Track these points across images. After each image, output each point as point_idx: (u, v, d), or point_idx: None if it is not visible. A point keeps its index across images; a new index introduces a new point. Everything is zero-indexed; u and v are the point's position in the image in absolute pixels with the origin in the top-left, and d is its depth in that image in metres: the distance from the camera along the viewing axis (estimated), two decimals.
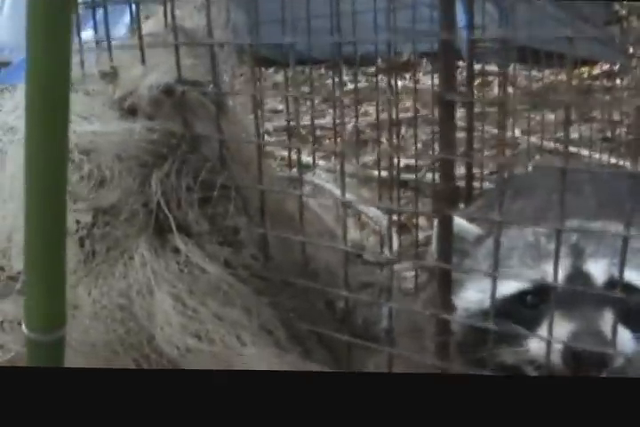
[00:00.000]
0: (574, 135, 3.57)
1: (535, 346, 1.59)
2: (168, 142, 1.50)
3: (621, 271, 1.40)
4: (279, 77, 4.68)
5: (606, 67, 4.46)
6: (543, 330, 1.60)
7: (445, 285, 1.31)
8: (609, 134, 3.69)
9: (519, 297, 1.66)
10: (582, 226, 1.74)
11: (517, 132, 3.67)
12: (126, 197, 1.53)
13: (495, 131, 3.68)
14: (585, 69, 4.39)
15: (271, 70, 4.87)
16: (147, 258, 1.48)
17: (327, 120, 3.82)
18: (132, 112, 1.54)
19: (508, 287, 1.67)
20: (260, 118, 1.55)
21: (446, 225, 1.30)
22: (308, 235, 1.55)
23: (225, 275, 1.45)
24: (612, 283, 1.64)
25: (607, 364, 1.53)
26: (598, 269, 1.67)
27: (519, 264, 1.71)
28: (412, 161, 3.39)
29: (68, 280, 1.50)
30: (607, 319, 1.59)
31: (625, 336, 1.60)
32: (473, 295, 1.72)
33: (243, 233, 1.49)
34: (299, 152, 1.51)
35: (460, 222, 1.79)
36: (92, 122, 1.49)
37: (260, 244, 1.52)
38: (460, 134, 3.18)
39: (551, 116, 3.77)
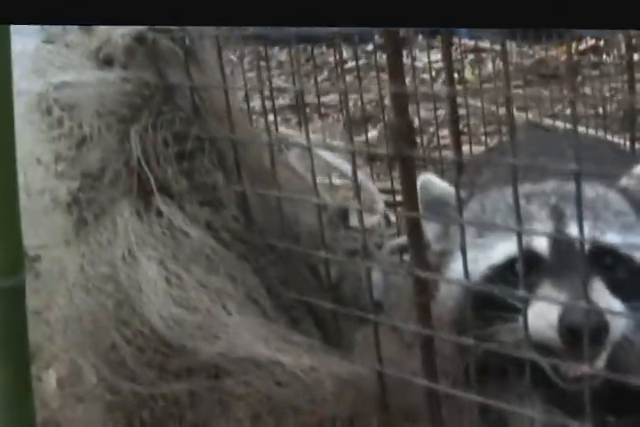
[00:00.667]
0: (567, 112, 3.51)
1: (531, 319, 1.49)
2: (142, 93, 1.43)
3: None
4: (283, 56, 4.66)
5: (592, 42, 4.37)
6: (536, 305, 1.48)
7: (416, 237, 1.21)
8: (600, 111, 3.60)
9: (509, 265, 1.57)
10: (561, 187, 1.64)
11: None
12: (108, 155, 1.45)
13: (493, 108, 3.60)
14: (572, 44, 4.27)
15: (276, 49, 4.83)
16: (130, 222, 1.40)
17: (331, 98, 3.79)
18: (107, 62, 1.47)
19: (496, 255, 1.59)
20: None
21: (408, 167, 1.20)
22: (291, 194, 1.48)
23: (207, 238, 1.37)
24: (595, 248, 1.56)
25: (604, 334, 1.42)
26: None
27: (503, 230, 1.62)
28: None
29: (59, 251, 1.43)
30: (597, 288, 1.51)
31: (616, 306, 1.51)
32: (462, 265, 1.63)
33: (221, 190, 1.40)
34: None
35: (442, 186, 1.72)
36: (69, 73, 1.41)
37: (241, 204, 1.44)
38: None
39: (545, 93, 3.71)
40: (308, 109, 3.38)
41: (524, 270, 1.48)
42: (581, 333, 1.36)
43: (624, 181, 1.71)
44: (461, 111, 3.21)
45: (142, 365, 1.25)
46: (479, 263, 1.59)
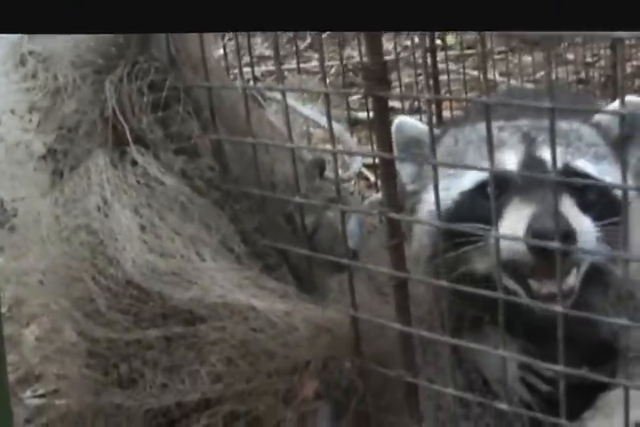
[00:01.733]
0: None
1: (504, 226, 1.46)
2: (118, 43, 1.39)
3: None
4: None
5: None
6: (505, 220, 1.50)
7: (388, 179, 1.18)
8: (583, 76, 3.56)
9: (479, 189, 1.56)
10: (534, 121, 1.63)
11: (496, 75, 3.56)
12: (83, 106, 1.42)
13: (475, 73, 3.57)
14: None
15: None
16: (105, 172, 1.36)
17: (313, 64, 3.76)
18: None
19: (467, 181, 1.58)
20: None
21: (380, 107, 1.16)
22: (266, 145, 1.45)
23: (182, 186, 1.33)
24: (566, 170, 1.55)
25: (571, 240, 1.39)
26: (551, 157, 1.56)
27: (476, 157, 1.61)
28: (397, 103, 3.27)
29: (35, 203, 1.40)
30: (566, 203, 1.49)
31: (585, 221, 1.50)
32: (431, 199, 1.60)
33: (197, 139, 1.37)
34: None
35: (416, 126, 1.70)
36: None
37: (216, 153, 1.41)
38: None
39: (528, 59, 3.67)
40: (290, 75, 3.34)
41: (495, 192, 1.50)
42: (548, 237, 1.32)
43: (597, 117, 1.70)
44: (443, 77, 3.19)
45: (117, 311, 1.23)
46: (451, 191, 1.59)
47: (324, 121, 2.30)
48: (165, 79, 1.43)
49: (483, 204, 1.51)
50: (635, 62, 3.57)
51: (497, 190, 1.48)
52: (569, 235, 1.38)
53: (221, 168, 1.42)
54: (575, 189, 1.52)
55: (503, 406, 1.21)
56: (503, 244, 1.41)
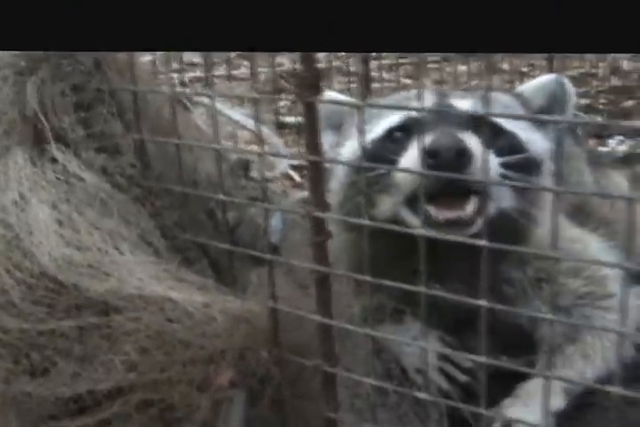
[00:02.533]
0: (482, 85, 3.52)
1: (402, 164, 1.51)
2: None
3: None
4: None
5: None
6: (407, 156, 1.54)
7: (315, 178, 1.19)
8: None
9: (388, 135, 1.60)
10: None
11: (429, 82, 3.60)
12: (3, 106, 1.41)
13: (408, 81, 3.61)
14: None
15: None
16: (23, 168, 1.36)
17: (242, 71, 3.77)
18: None
19: (377, 130, 1.62)
20: None
21: (311, 112, 1.19)
22: (189, 145, 1.46)
23: (102, 183, 1.34)
24: (478, 119, 1.54)
25: (466, 159, 1.43)
26: (465, 104, 1.61)
27: (388, 113, 1.64)
28: None
29: None
30: (468, 135, 1.51)
31: (486, 152, 1.50)
32: (349, 148, 1.68)
33: (119, 139, 1.37)
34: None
35: (336, 96, 1.77)
36: None
37: (138, 151, 1.41)
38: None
39: (463, 67, 3.72)
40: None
41: (402, 136, 1.58)
42: (443, 154, 1.40)
43: (519, 89, 1.76)
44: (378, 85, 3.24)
45: (31, 303, 1.22)
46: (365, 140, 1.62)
47: (251, 124, 2.33)
48: (90, 81, 1.44)
49: (391, 147, 1.57)
50: (569, 73, 3.63)
51: (405, 134, 1.58)
52: (464, 153, 1.41)
53: (143, 166, 1.42)
54: (485, 134, 1.52)
55: (421, 395, 1.22)
56: (401, 177, 1.46)
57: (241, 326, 1.24)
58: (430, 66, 3.61)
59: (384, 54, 3.81)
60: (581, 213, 2.04)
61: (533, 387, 1.61)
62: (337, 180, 1.67)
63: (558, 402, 1.66)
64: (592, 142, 2.88)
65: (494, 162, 1.51)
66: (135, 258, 1.26)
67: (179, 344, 1.20)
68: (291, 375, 1.29)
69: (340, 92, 3.41)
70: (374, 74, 3.41)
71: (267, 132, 2.39)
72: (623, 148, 2.85)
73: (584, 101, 3.22)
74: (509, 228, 1.54)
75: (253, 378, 1.25)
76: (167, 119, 1.45)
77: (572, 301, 1.75)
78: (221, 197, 1.33)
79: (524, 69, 3.78)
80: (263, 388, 1.25)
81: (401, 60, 3.74)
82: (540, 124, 1.68)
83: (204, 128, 1.68)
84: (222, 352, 1.22)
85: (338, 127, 1.75)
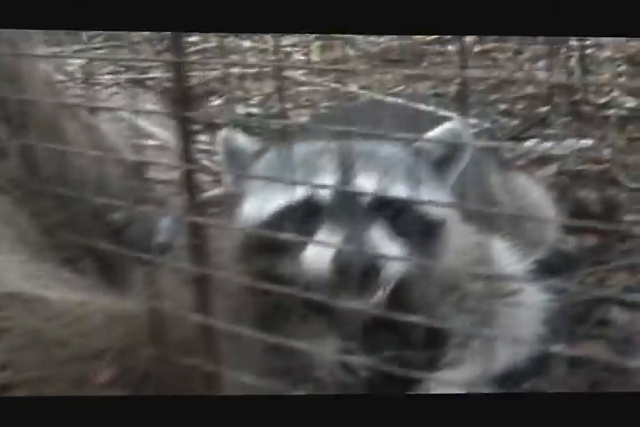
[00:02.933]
0: (409, 91, 3.56)
1: (309, 254, 1.49)
2: None
3: None
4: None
5: None
6: (312, 249, 1.49)
7: (189, 184, 1.21)
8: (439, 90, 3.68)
9: (291, 210, 1.56)
10: (355, 145, 1.58)
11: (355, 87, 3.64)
12: None
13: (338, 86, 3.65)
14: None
15: None
16: None
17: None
18: None
19: (282, 199, 1.58)
20: None
21: (184, 126, 1.20)
22: (82, 148, 1.47)
23: None
24: (380, 199, 1.56)
25: (374, 275, 1.43)
26: (366, 184, 1.56)
27: (293, 178, 1.56)
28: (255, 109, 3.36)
29: None
30: (376, 233, 1.51)
31: (393, 250, 1.51)
32: (252, 207, 1.62)
33: (5, 142, 1.37)
34: None
35: (241, 138, 1.71)
36: None
37: (24, 154, 1.41)
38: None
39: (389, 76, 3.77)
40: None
41: (304, 216, 1.53)
42: (351, 273, 1.38)
43: (419, 143, 1.71)
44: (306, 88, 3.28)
45: None
46: (266, 207, 1.60)
47: (154, 130, 2.34)
48: None
49: (294, 223, 1.52)
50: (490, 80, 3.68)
51: (307, 214, 1.54)
52: (372, 271, 1.42)
53: (29, 169, 1.42)
54: (388, 215, 1.54)
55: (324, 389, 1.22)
56: (308, 267, 1.45)
57: (119, 325, 1.24)
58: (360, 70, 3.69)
59: (312, 59, 3.88)
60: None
61: (433, 380, 1.64)
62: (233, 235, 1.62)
63: None
64: (509, 144, 2.93)
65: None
66: (10, 257, 1.26)
67: (54, 343, 1.19)
68: (174, 373, 1.29)
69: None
70: (304, 79, 3.45)
71: (167, 136, 2.40)
72: (539, 149, 2.91)
73: (502, 107, 3.27)
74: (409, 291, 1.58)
75: (134, 376, 1.25)
76: (60, 124, 1.45)
77: (477, 300, 1.77)
78: (103, 199, 1.33)
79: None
80: (144, 386, 1.25)
81: (330, 66, 3.80)
82: (440, 173, 1.69)
83: (106, 132, 1.69)
84: (101, 351, 1.22)
85: (241, 168, 1.71)
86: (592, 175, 2.65)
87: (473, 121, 3.08)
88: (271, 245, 1.49)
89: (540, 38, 3.40)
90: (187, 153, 1.24)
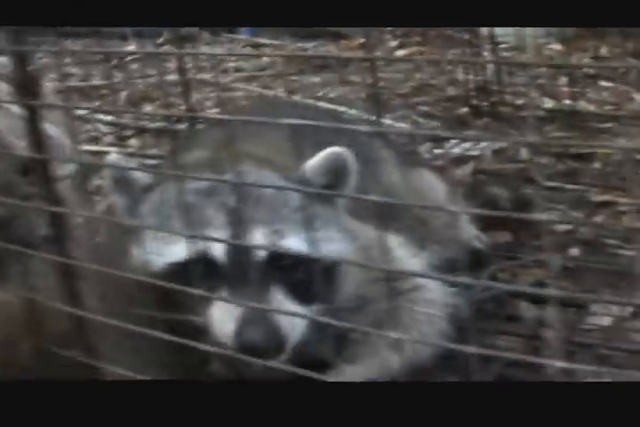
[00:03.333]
0: (333, 95, 3.58)
1: (212, 322, 1.42)
2: None
3: None
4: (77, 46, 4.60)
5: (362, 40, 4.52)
6: (215, 312, 1.43)
7: (44, 177, 1.18)
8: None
9: (186, 266, 1.43)
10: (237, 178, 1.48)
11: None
12: None
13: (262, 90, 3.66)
14: (345, 42, 4.44)
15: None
16: None
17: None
18: None
19: (175, 254, 1.45)
20: None
21: (32, 115, 1.18)
22: None
23: None
24: (274, 253, 1.47)
25: (280, 347, 1.39)
26: (259, 240, 1.48)
27: (182, 227, 1.44)
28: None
29: None
30: (275, 297, 1.45)
31: (295, 319, 1.45)
32: (142, 256, 1.50)
33: None
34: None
35: (125, 164, 1.60)
36: None
37: None
38: None
39: (315, 79, 3.80)
40: None
41: (203, 273, 1.40)
42: (256, 349, 1.34)
43: (301, 172, 1.60)
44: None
45: None
46: (162, 257, 1.49)
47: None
48: None
49: (191, 280, 1.34)
50: (411, 83, 3.70)
51: (205, 270, 1.43)
52: (277, 344, 1.39)
53: None
54: (285, 270, 1.48)
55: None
56: (214, 332, 1.40)
57: None
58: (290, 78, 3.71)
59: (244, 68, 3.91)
60: (394, 212, 2.06)
61: (332, 376, 1.62)
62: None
63: None
64: (428, 145, 2.95)
65: (301, 324, 1.47)
66: None
67: None
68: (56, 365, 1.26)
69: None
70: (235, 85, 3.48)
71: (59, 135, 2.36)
72: (457, 150, 2.93)
73: (424, 109, 3.30)
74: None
75: (13, 369, 1.22)
76: None
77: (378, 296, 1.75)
78: None
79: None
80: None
81: (258, 73, 3.85)
82: (324, 200, 1.61)
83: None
84: None
85: (129, 192, 1.58)
86: (508, 174, 2.68)
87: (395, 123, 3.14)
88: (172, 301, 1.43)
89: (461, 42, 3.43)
90: (36, 142, 1.22)
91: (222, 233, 1.47)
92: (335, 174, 1.59)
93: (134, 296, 1.43)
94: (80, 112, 3.41)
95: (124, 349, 1.36)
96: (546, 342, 1.79)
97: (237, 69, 3.82)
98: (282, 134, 1.66)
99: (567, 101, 3.24)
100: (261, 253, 1.47)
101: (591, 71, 3.45)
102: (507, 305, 1.97)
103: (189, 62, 3.46)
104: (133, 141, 3.08)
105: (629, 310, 1.88)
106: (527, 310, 1.95)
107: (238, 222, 1.47)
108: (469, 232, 2.24)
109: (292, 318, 1.44)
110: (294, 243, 1.49)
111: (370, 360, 1.71)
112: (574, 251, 2.22)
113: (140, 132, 3.15)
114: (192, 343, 1.24)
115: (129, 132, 3.23)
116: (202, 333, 1.40)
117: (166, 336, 1.19)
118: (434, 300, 1.78)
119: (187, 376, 1.42)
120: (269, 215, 1.51)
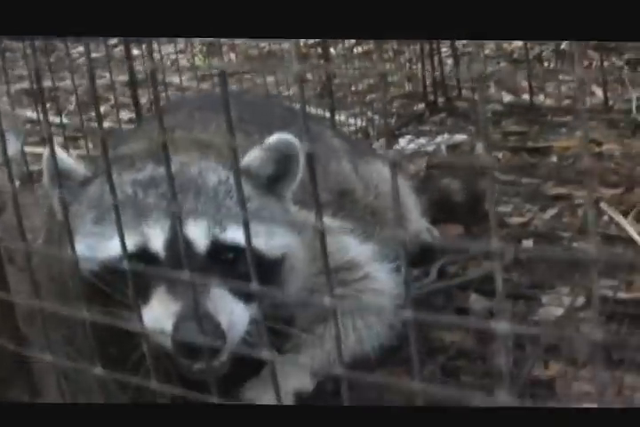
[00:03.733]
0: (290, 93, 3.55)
1: (147, 322, 1.25)
2: None
3: None
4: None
5: None
6: (151, 308, 1.37)
7: None
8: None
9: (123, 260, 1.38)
10: (183, 172, 1.47)
11: None
12: None
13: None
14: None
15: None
16: None
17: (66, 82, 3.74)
18: None
19: (113, 248, 1.36)
20: None
21: None
22: None
23: None
24: (215, 246, 1.42)
25: (220, 345, 1.32)
26: (198, 233, 1.42)
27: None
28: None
29: None
30: (216, 294, 1.37)
31: (237, 311, 1.39)
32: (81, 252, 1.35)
33: None
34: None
35: (66, 161, 1.52)
36: None
37: None
38: None
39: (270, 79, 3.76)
40: None
41: (141, 269, 1.27)
42: (193, 347, 1.25)
43: (247, 160, 1.54)
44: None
45: None
46: (97, 253, 1.43)
47: None
48: None
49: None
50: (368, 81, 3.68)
51: (142, 265, 1.31)
52: (216, 341, 1.30)
53: None
54: (227, 263, 1.43)
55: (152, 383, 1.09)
56: (151, 331, 1.29)
57: None
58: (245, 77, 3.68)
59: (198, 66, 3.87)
60: (346, 201, 2.02)
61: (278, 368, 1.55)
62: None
63: (305, 382, 1.61)
64: (383, 141, 2.92)
65: (243, 319, 1.41)
66: None
67: None
68: None
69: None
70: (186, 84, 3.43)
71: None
72: (412, 146, 2.91)
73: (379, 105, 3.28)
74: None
75: None
76: None
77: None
78: None
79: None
80: None
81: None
82: (270, 191, 1.56)
83: None
84: None
85: (68, 194, 1.51)
86: (462, 168, 2.65)
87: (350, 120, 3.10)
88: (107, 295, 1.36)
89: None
90: None
91: (161, 225, 1.42)
92: (283, 163, 1.54)
93: (68, 287, 1.36)
94: (29, 114, 3.39)
95: (55, 338, 1.29)
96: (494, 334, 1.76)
97: (191, 68, 3.78)
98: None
99: (525, 96, 3.24)
100: (201, 247, 1.42)
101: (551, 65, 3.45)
102: (456, 297, 1.94)
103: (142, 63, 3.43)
104: (83, 143, 3.01)
105: (581, 300, 1.85)
106: (476, 302, 1.92)
107: (178, 215, 1.35)
108: (420, 225, 2.21)
109: (233, 313, 1.38)
110: (236, 235, 1.42)
111: (314, 351, 1.66)
112: (528, 243, 2.21)
113: (90, 133, 3.10)
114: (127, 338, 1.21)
115: (79, 134, 3.18)
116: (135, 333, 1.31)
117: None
118: (382, 290, 1.75)
119: (123, 368, 1.34)
120: (213, 206, 1.46)
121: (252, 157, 1.54)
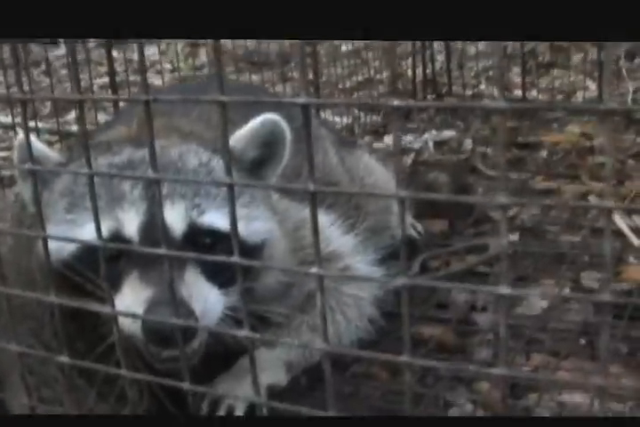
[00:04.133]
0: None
1: (120, 305, 1.21)
2: None
3: None
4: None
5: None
6: (124, 294, 1.31)
7: None
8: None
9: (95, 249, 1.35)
10: (164, 155, 1.42)
11: None
12: None
13: None
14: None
15: None
16: None
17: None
18: None
19: (87, 234, 1.30)
20: None
21: None
22: None
23: None
24: (192, 230, 1.37)
25: (191, 333, 1.27)
26: (176, 217, 1.37)
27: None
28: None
29: None
30: (191, 278, 1.32)
31: (211, 296, 1.34)
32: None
33: None
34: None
35: (39, 147, 1.48)
36: None
37: None
38: None
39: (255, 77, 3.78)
40: None
41: (114, 254, 1.30)
42: (164, 338, 1.22)
43: (231, 142, 1.41)
44: None
45: None
46: (70, 238, 1.38)
47: None
48: None
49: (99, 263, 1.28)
50: (359, 77, 3.67)
51: (117, 251, 1.33)
52: (188, 330, 1.25)
53: None
54: (204, 250, 1.36)
55: (123, 371, 1.05)
56: (121, 319, 1.20)
57: None
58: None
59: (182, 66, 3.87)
60: (331, 194, 2.00)
61: (246, 362, 1.52)
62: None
63: (279, 377, 1.58)
64: (369, 138, 2.91)
65: (217, 305, 1.35)
66: None
67: None
68: None
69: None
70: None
71: None
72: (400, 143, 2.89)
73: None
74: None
75: None
76: None
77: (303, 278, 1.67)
78: None
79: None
80: None
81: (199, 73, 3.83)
82: (252, 176, 1.50)
83: None
84: None
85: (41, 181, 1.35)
86: (450, 164, 2.64)
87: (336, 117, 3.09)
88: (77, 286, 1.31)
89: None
90: None
91: (136, 208, 1.37)
92: (269, 145, 1.49)
93: (36, 282, 1.33)
94: (2, 119, 3.38)
95: (22, 331, 1.26)
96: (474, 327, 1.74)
97: (173, 70, 3.77)
98: (210, 108, 1.59)
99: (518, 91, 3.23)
100: (177, 230, 1.37)
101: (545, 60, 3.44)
102: (438, 291, 1.92)
103: (121, 64, 3.43)
104: (58, 146, 2.99)
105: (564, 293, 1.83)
106: (458, 295, 1.90)
107: (154, 197, 1.34)
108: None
109: (208, 300, 1.33)
110: (215, 219, 1.38)
111: (289, 345, 1.62)
112: (513, 237, 2.19)
113: (66, 137, 3.07)
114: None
115: (54, 138, 3.16)
116: (106, 321, 1.27)
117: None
118: (362, 284, 1.71)
119: (90, 359, 1.32)
120: (191, 189, 1.40)
121: (237, 137, 1.48)
